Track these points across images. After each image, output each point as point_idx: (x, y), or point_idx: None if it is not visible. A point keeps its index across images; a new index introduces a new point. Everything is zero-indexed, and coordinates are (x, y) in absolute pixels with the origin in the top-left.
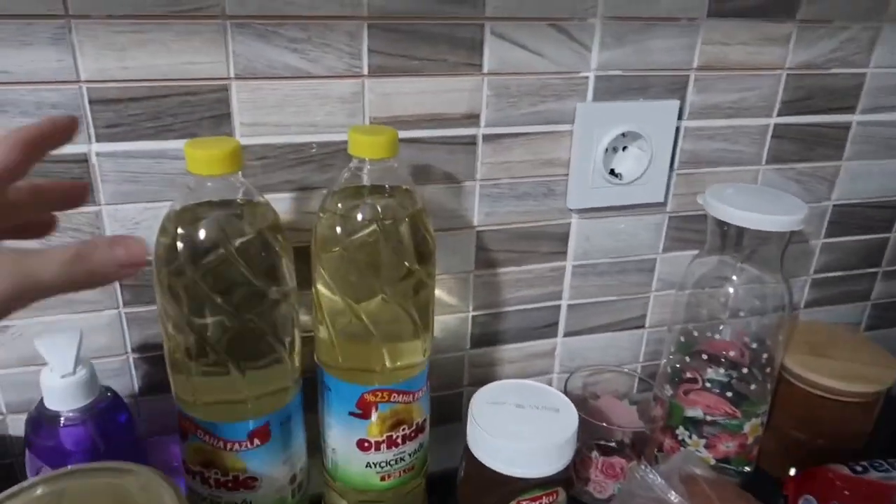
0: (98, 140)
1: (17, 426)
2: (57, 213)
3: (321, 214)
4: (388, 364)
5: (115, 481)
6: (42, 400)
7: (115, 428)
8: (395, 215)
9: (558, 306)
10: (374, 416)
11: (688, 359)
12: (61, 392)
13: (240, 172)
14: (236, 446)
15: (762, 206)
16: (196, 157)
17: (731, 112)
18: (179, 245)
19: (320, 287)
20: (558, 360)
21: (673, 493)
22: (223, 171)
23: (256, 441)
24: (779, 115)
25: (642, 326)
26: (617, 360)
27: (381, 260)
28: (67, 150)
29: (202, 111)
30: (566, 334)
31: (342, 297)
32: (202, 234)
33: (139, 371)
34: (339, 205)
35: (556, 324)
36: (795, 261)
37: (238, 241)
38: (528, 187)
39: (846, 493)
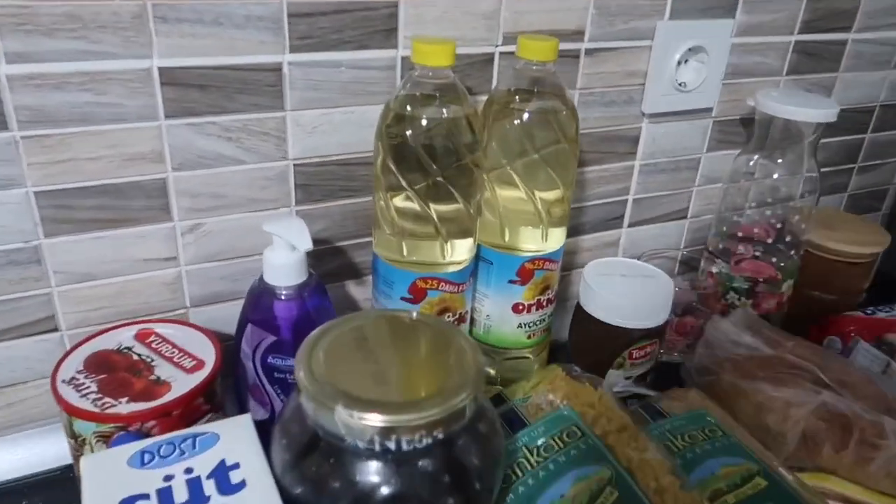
0: (291, 51)
1: (198, 317)
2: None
3: (494, 105)
4: (546, 242)
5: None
6: (262, 277)
7: (320, 304)
8: (556, 107)
9: (625, 200)
10: (530, 282)
11: (729, 238)
12: (284, 269)
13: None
14: (462, 287)
15: (803, 103)
16: (425, 50)
17: (767, 30)
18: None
19: (491, 163)
20: (621, 249)
21: (745, 335)
22: (447, 63)
23: (470, 279)
24: (799, 33)
25: (685, 217)
26: (665, 246)
27: (542, 136)
28: (266, 59)
29: (376, 25)
30: (629, 225)
31: (510, 167)
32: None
33: None
34: (517, 97)
35: (622, 216)
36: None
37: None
38: (614, 95)
39: (862, 330)
